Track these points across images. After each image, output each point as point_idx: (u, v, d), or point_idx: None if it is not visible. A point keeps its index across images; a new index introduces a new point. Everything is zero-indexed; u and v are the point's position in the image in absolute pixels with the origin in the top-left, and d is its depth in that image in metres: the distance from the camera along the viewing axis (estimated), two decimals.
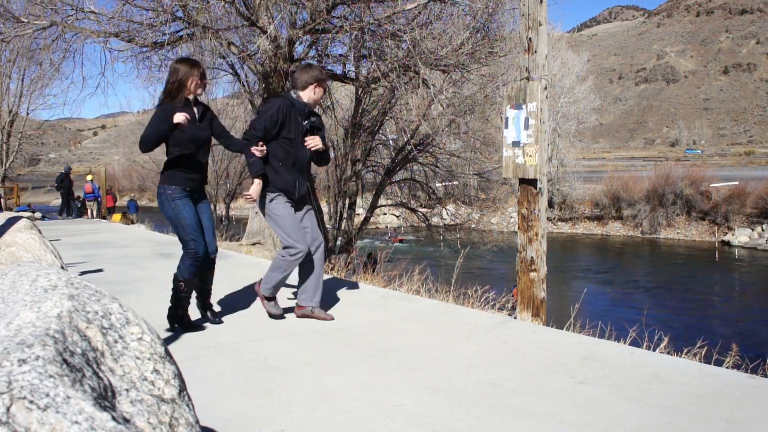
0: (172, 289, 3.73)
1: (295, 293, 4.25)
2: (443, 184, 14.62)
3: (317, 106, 3.96)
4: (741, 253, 28.27)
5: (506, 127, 4.11)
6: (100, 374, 1.08)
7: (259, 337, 3.55)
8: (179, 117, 3.44)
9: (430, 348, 3.33)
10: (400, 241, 27.78)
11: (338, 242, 12.86)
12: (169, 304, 3.74)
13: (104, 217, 18.95)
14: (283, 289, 4.36)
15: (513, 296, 5.95)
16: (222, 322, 3.91)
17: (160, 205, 3.71)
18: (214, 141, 3.91)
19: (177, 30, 7.61)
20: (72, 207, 19.67)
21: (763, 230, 30.17)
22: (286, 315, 4.02)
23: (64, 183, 18.94)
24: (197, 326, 3.77)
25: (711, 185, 32.94)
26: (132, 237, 10.57)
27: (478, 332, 3.66)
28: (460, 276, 5.78)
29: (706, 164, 50.00)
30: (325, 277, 5.86)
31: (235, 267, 6.09)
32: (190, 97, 3.66)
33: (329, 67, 9.24)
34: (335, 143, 13.23)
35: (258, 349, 3.31)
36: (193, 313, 3.98)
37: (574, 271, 25.08)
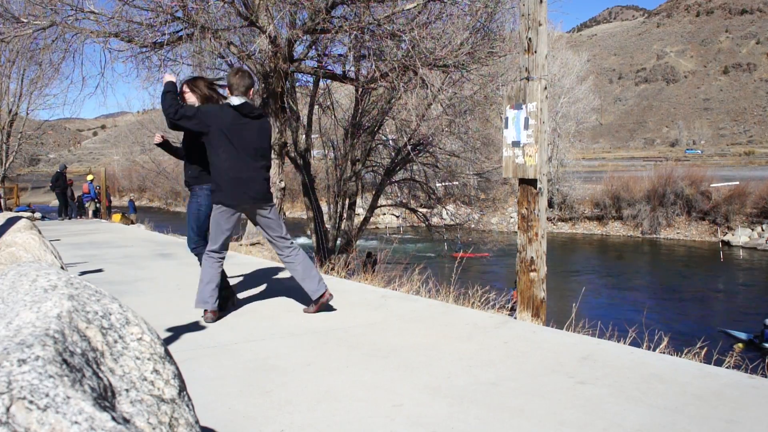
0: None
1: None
2: (443, 184, 14.62)
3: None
4: (741, 253, 28.27)
5: (506, 127, 4.11)
6: (100, 374, 1.07)
7: (259, 337, 3.55)
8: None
9: (430, 348, 3.33)
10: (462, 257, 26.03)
11: (338, 242, 12.86)
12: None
13: (104, 217, 18.92)
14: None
15: (513, 297, 5.95)
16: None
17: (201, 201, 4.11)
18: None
19: (176, 30, 7.61)
20: (72, 207, 19.56)
21: (763, 230, 30.17)
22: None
23: (59, 182, 18.67)
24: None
25: (711, 185, 32.92)
26: (132, 237, 10.57)
27: (478, 332, 3.66)
28: (460, 276, 5.78)
29: (706, 164, 50.02)
30: (325, 277, 5.86)
31: (234, 267, 6.09)
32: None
33: (329, 67, 9.23)
34: (335, 143, 13.24)
35: (258, 349, 3.31)
36: (183, 312, 3.98)
37: (574, 271, 25.07)
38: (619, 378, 2.81)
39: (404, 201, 15.09)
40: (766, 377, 2.90)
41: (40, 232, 3.53)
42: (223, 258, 4.01)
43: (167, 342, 3.38)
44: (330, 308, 4.20)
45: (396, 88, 7.76)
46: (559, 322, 4.27)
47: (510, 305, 6.19)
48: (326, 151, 13.81)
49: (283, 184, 8.09)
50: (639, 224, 33.81)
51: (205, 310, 3.91)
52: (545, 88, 3.99)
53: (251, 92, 3.94)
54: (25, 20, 7.26)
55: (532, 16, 3.98)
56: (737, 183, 32.27)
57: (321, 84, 12.12)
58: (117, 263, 6.89)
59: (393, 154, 13.48)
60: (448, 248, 14.73)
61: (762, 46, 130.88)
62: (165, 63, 7.90)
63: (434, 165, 13.44)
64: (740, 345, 14.04)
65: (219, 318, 3.98)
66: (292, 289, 5.01)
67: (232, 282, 5.25)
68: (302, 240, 23.37)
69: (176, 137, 8.03)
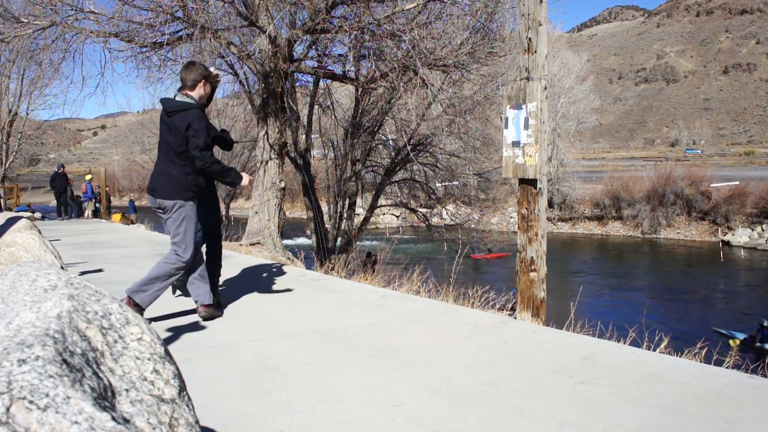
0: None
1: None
2: (443, 184, 14.63)
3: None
4: (741, 253, 28.27)
5: (506, 127, 4.11)
6: (100, 374, 1.07)
7: (259, 337, 3.55)
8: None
9: (430, 348, 3.33)
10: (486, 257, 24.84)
11: (338, 242, 12.86)
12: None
13: (103, 217, 18.91)
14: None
15: (515, 297, 5.94)
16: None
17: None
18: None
19: (176, 30, 7.60)
20: (72, 207, 19.51)
21: (763, 230, 30.18)
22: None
23: (56, 182, 18.54)
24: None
25: (711, 185, 32.93)
26: (132, 237, 10.57)
27: (478, 332, 3.66)
28: (460, 276, 5.78)
29: (706, 164, 49.98)
30: (325, 276, 5.86)
31: (234, 267, 6.09)
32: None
33: (329, 67, 9.23)
34: (335, 143, 13.25)
35: (258, 349, 3.31)
36: (166, 304, 3.98)
37: (574, 271, 25.07)
38: (619, 378, 2.81)
39: (404, 201, 15.10)
40: (766, 377, 2.90)
41: (40, 232, 3.53)
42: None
43: (167, 342, 3.38)
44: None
45: (396, 88, 7.76)
46: (559, 322, 4.27)
47: (510, 305, 6.19)
48: (326, 151, 13.81)
49: (283, 184, 8.09)
50: (639, 224, 33.83)
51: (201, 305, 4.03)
52: (545, 88, 3.99)
53: (200, 85, 3.83)
54: (25, 20, 7.25)
55: (532, 16, 3.98)
56: (737, 183, 32.28)
57: (321, 84, 12.12)
58: (117, 263, 6.89)
59: (393, 154, 13.48)
60: (457, 249, 14.69)
61: (762, 46, 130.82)
62: (165, 63, 7.90)
63: (434, 165, 13.44)
64: (736, 341, 14.08)
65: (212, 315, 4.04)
66: (292, 289, 5.01)
67: (231, 282, 5.25)
68: (302, 240, 23.36)
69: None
